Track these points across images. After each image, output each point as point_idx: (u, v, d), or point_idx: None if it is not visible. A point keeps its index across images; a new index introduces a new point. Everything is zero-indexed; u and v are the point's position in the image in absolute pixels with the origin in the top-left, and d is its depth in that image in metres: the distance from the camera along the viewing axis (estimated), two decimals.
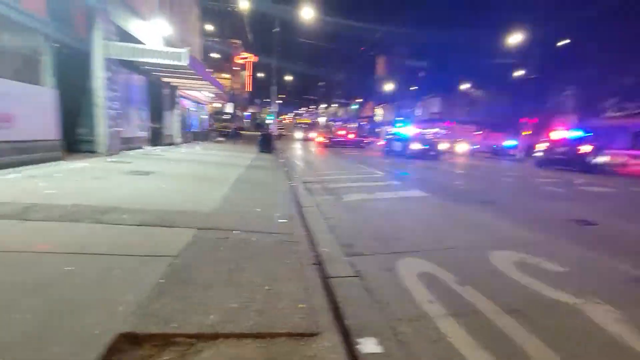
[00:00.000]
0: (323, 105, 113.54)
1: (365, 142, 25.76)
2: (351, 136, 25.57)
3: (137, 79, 11.61)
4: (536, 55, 23.04)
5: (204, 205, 4.56)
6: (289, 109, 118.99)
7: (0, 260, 2.43)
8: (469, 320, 2.27)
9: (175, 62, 9.17)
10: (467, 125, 42.74)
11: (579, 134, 13.97)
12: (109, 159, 8.33)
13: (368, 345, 1.94)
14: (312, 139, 36.95)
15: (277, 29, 19.33)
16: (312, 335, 1.84)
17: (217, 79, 19.90)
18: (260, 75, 49.53)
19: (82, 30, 8.28)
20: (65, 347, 1.55)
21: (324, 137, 26.14)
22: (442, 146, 16.07)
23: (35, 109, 6.61)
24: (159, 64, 9.67)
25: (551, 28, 23.64)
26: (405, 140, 16.66)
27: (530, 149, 25.64)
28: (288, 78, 59.32)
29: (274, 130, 19.98)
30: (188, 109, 18.32)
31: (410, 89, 47.41)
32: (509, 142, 32.20)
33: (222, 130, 31.45)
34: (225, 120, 41.24)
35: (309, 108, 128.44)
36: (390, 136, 18.87)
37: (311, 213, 5.02)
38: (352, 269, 3.05)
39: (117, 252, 2.72)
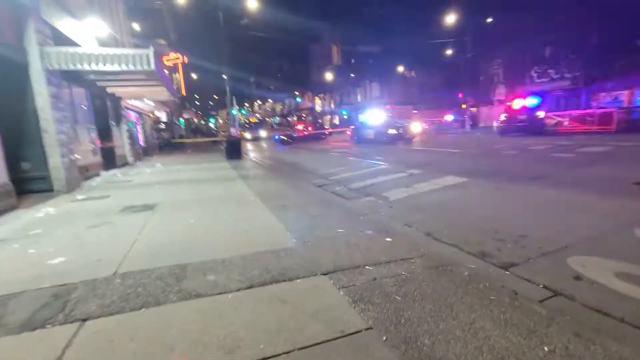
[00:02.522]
0: (258, 102, 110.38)
1: (327, 133, 25.35)
2: (310, 129, 24.97)
3: (77, 93, 9.46)
4: (467, 35, 24.68)
5: (275, 238, 3.65)
6: (220, 109, 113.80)
7: None
8: None
9: (139, 68, 7.52)
10: (406, 106, 45.21)
11: (535, 101, 15.26)
12: (78, 197, 6.57)
13: None
14: (264, 138, 35.41)
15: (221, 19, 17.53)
16: None
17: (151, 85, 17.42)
18: (193, 76, 45.68)
19: (10, 36, 6.26)
20: None
21: (283, 133, 25.15)
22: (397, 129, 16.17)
23: None
24: (112, 71, 7.87)
25: (478, 8, 25.51)
26: (379, 127, 16.62)
27: (475, 120, 27.83)
28: (220, 77, 55.62)
29: (237, 133, 18.39)
30: (133, 121, 15.89)
31: (351, 75, 48.05)
32: (449, 117, 34.71)
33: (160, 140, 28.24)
34: (162, 130, 37.41)
35: (245, 107, 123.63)
36: (358, 124, 18.70)
37: (390, 222, 4.39)
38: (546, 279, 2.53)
39: (294, 346, 1.81)
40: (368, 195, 6.23)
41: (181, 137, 43.06)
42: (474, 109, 33.04)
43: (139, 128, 17.36)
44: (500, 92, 23.10)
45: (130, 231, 4.14)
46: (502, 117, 15.40)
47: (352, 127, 20.52)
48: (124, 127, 13.33)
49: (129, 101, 14.65)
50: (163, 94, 12.98)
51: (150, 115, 21.67)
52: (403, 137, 16.06)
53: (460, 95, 32.97)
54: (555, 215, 4.27)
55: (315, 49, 60.81)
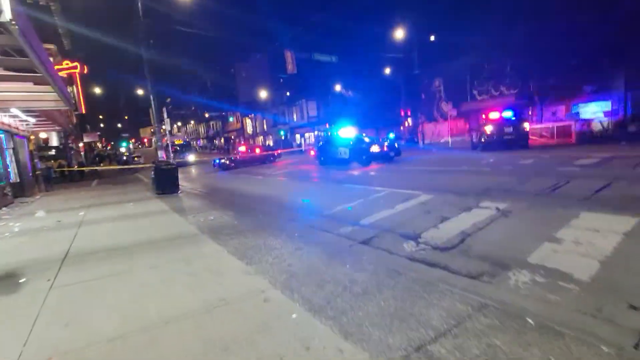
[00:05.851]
0: (178, 124, 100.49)
1: (276, 155, 21.80)
2: (257, 151, 21.17)
3: None
4: (412, 52, 24.43)
5: None
6: (135, 131, 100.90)
7: None
8: None
9: None
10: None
11: (510, 114, 14.23)
12: None
13: None
14: (192, 163, 30.12)
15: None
16: None
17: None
18: (96, 91, 37.55)
19: None
20: None
21: (223, 157, 20.96)
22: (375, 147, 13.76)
23: None
24: None
25: (419, 27, 25.72)
26: (357, 144, 13.79)
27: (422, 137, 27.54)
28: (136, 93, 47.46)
29: (164, 157, 13.64)
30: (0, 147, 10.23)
31: (286, 94, 45.61)
32: (391, 135, 34.48)
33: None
34: (49, 158, 29.00)
35: (159, 129, 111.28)
36: (326, 142, 15.63)
37: None
38: None
39: None
40: (504, 267, 3.18)
41: (82, 164, 34.57)
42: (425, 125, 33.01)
43: (8, 155, 11.51)
44: (449, 108, 22.94)
45: None
46: (488, 130, 14.07)
47: (317, 145, 17.54)
48: None
49: None
50: (46, 98, 8.12)
51: (31, 137, 15.38)
52: (388, 155, 13.56)
53: (402, 113, 32.90)
54: None
55: (243, 68, 57.15)
